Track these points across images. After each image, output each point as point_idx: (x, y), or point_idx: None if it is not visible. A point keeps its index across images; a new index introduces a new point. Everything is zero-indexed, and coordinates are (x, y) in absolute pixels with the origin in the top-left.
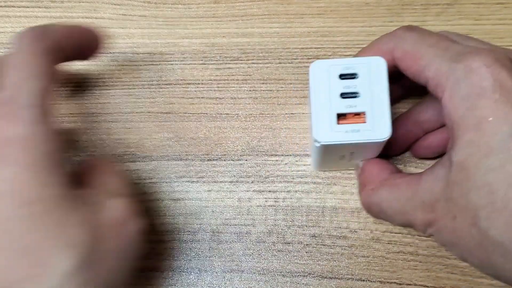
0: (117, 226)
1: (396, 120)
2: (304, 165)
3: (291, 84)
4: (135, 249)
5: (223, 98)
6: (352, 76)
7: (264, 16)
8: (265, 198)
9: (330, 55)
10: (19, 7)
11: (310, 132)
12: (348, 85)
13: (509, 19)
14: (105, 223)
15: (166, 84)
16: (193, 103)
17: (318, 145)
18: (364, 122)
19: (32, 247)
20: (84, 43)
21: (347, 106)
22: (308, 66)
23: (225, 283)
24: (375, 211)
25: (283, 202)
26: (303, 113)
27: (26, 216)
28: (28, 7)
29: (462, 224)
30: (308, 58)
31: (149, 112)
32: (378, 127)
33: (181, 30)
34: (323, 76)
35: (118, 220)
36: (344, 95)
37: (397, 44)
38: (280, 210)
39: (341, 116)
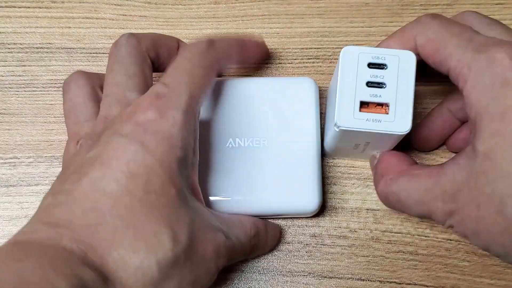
0: (209, 234)
1: (431, 111)
2: None
3: None
4: (215, 261)
5: None
6: (380, 66)
7: (264, 16)
8: None
9: (330, 55)
10: (20, 7)
11: (327, 116)
12: (376, 75)
13: (509, 20)
14: (201, 228)
15: None
16: None
17: (337, 129)
18: (386, 113)
19: (142, 228)
20: (247, 55)
21: (371, 95)
22: (308, 67)
23: (225, 283)
24: (392, 201)
25: None
26: None
27: (148, 202)
28: (29, 7)
29: (486, 212)
30: (308, 59)
31: None
32: (399, 120)
33: (182, 30)
34: (352, 62)
35: (211, 228)
36: (369, 84)
37: (421, 31)
38: None
39: (363, 104)
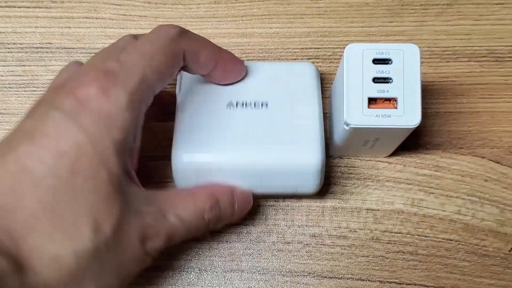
0: (137, 220)
1: None
2: None
3: None
4: (142, 247)
5: None
6: (385, 61)
7: (264, 16)
8: (265, 198)
9: (330, 55)
10: (20, 7)
11: (333, 115)
12: (381, 70)
13: (509, 19)
14: (130, 215)
15: (167, 84)
16: None
17: (347, 127)
18: (395, 108)
19: (62, 215)
20: (220, 61)
21: (379, 90)
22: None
23: (225, 283)
24: None
25: (283, 202)
26: None
27: (73, 185)
28: (28, 7)
29: None
30: (308, 59)
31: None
32: (409, 114)
33: None
34: (357, 59)
35: (140, 213)
36: (376, 80)
37: None
38: (280, 210)
39: (372, 101)
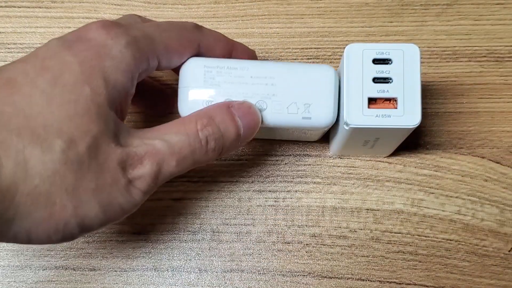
0: (116, 146)
1: None
2: (304, 165)
3: None
4: (122, 173)
5: None
6: (385, 61)
7: (264, 16)
8: (265, 198)
9: (330, 55)
10: (20, 7)
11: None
12: (381, 70)
13: (509, 19)
14: (110, 140)
15: (167, 85)
16: None
17: (347, 127)
18: (395, 108)
19: (33, 117)
20: (233, 54)
21: (379, 90)
22: None
23: (225, 283)
24: None
25: (283, 202)
26: None
27: (50, 95)
28: (28, 7)
29: None
30: (308, 59)
31: (150, 113)
32: (409, 114)
33: None
34: (357, 59)
35: (119, 139)
36: (376, 80)
37: None
38: (280, 210)
39: (371, 101)
